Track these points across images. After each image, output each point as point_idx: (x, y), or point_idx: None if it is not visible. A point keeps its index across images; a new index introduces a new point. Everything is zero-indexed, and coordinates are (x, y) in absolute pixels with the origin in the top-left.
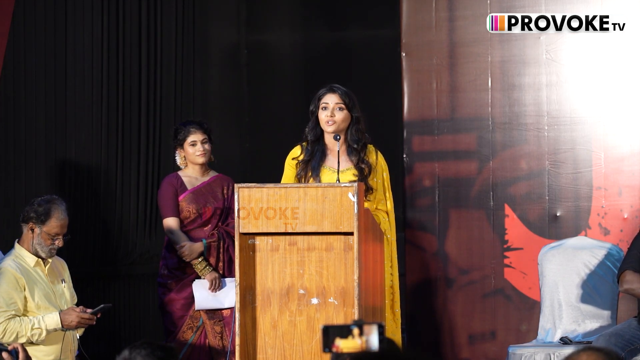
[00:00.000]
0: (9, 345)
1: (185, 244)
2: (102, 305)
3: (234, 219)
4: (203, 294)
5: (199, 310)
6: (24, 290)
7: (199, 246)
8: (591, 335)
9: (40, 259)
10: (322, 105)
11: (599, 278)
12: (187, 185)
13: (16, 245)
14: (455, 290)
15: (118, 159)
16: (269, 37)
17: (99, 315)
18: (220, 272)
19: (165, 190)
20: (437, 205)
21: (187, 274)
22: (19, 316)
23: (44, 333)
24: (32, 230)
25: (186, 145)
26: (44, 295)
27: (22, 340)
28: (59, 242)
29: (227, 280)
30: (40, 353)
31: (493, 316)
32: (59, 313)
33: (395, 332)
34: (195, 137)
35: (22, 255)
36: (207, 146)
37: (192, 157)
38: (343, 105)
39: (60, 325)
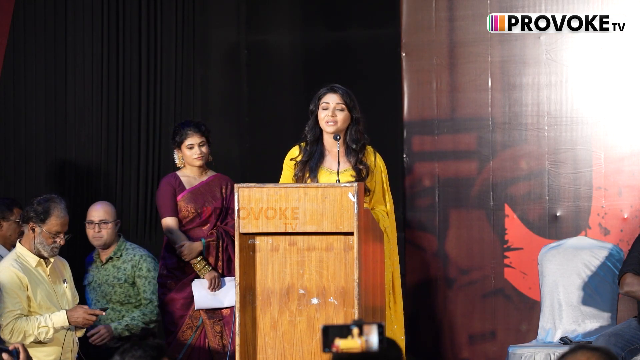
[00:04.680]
0: (9, 345)
1: (184, 244)
2: (99, 308)
3: (233, 218)
4: (202, 294)
5: (199, 309)
6: (27, 289)
7: (198, 245)
8: (591, 335)
9: (42, 259)
10: (322, 105)
11: (599, 278)
12: (185, 185)
13: (18, 245)
14: (455, 290)
15: (118, 159)
16: (269, 37)
17: (103, 313)
18: (220, 271)
19: (164, 190)
20: (437, 205)
21: (186, 274)
22: (25, 315)
23: (52, 331)
24: (33, 230)
25: (184, 147)
26: (46, 295)
27: (30, 339)
28: (60, 241)
29: (227, 279)
30: (41, 353)
31: (493, 316)
32: (66, 311)
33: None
34: (193, 140)
35: (23, 255)
36: (204, 149)
37: (189, 159)
38: (344, 106)
39: (67, 323)
